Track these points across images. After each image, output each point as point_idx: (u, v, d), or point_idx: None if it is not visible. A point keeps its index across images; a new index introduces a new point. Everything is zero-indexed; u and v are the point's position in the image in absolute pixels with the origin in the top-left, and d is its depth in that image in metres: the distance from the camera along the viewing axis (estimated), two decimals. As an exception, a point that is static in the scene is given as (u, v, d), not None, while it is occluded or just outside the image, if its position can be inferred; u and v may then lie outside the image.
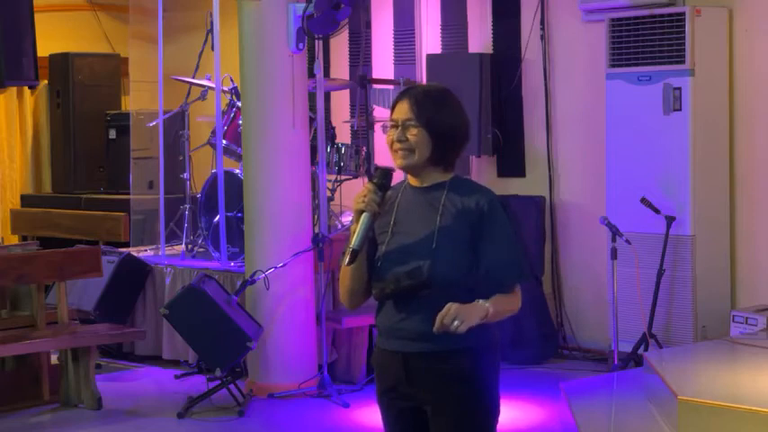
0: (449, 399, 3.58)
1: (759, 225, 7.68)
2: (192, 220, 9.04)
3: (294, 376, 7.48)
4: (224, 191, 8.23)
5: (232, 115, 8.55)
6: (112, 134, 10.66)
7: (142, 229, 9.74)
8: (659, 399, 5.83)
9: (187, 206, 9.05)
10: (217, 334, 7.04)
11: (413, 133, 3.61)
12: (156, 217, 9.20)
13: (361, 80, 8.75)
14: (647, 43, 7.67)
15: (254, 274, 7.34)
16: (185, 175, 9.16)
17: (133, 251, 9.05)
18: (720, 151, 7.71)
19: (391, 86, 8.93)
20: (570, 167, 8.63)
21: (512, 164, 8.91)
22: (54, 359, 7.52)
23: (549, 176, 8.70)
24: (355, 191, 4.00)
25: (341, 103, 10.01)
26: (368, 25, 9.74)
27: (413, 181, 3.70)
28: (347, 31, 9.80)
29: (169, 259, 8.73)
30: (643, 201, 7.53)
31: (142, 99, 10.08)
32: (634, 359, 7.38)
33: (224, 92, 8.64)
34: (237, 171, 8.37)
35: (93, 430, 6.92)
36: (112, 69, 11.10)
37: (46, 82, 11.07)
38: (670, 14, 7.58)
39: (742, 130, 7.73)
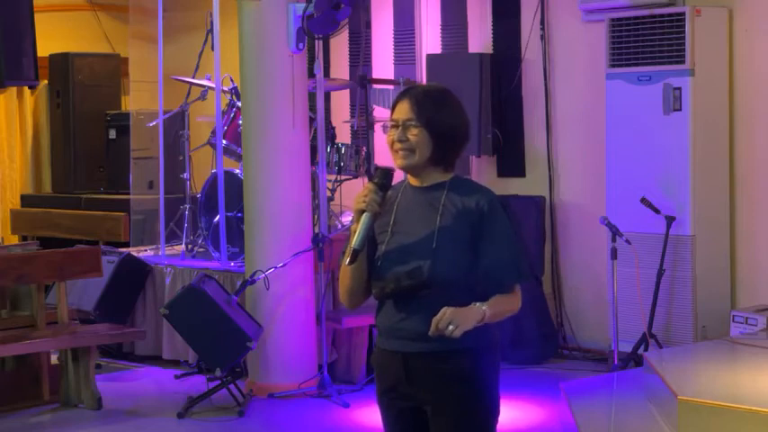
0: (449, 399, 3.58)
1: (759, 225, 7.68)
2: (192, 220, 9.03)
3: (294, 376, 7.47)
4: (224, 191, 8.23)
5: (232, 115, 8.54)
6: (112, 134, 10.65)
7: (142, 229, 9.74)
8: (659, 399, 5.82)
9: (187, 206, 9.04)
10: (217, 334, 7.04)
11: (413, 133, 3.61)
12: (156, 217, 9.19)
13: (361, 80, 8.74)
14: (647, 43, 7.66)
15: (254, 274, 7.34)
16: (185, 175, 9.15)
17: (133, 251, 9.05)
18: (720, 151, 7.71)
19: (391, 86, 8.92)
20: (570, 167, 8.63)
21: (512, 164, 8.91)
22: (54, 359, 7.52)
23: (549, 176, 8.70)
24: (355, 191, 4.01)
25: (341, 103, 10.01)
26: (368, 25, 9.73)
27: (413, 181, 3.70)
28: (347, 31, 9.80)
29: (169, 259, 8.72)
30: (643, 201, 7.53)
31: (142, 99, 10.08)
32: (634, 359, 7.38)
33: (224, 92, 8.64)
34: (237, 171, 8.37)
35: (93, 430, 6.92)
36: (112, 69, 11.09)
37: (46, 82, 11.06)
38: (670, 14, 7.58)
39: (742, 130, 7.73)
